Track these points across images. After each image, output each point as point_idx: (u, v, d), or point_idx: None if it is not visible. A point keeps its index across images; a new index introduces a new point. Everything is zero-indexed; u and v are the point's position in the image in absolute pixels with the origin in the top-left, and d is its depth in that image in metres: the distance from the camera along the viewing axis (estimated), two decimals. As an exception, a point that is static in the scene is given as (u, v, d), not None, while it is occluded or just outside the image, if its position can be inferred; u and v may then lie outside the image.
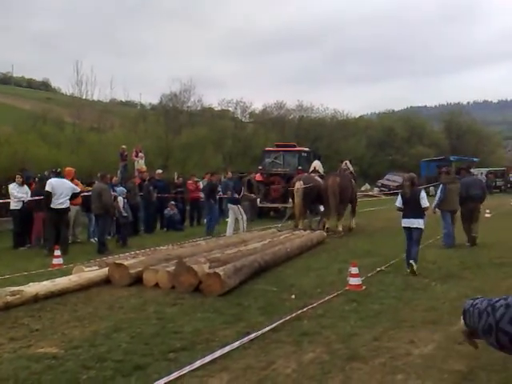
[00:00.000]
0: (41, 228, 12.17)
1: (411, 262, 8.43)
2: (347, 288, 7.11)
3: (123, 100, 38.81)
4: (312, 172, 15.70)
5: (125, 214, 12.39)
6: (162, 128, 31.53)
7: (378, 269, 8.53)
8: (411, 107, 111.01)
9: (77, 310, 6.26)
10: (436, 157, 39.10)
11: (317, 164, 16.19)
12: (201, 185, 17.99)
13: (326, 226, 13.74)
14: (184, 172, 22.53)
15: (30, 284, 6.87)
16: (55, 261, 9.33)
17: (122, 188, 12.92)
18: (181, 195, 17.09)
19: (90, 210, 12.74)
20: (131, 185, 14.57)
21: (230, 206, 13.98)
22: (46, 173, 14.65)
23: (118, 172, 17.44)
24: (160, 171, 17.27)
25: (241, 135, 37.38)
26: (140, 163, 18.21)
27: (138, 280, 7.71)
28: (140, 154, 18.48)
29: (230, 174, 20.25)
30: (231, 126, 38.19)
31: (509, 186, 38.23)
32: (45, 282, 7.03)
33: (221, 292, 7.03)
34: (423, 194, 8.83)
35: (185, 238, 12.68)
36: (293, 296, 6.84)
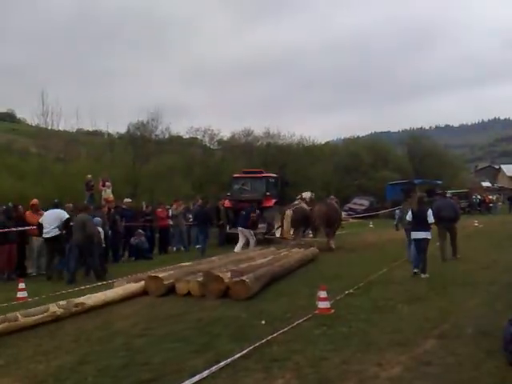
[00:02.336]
0: (5, 260, 11.91)
1: (416, 271, 10.39)
2: (316, 312, 7.16)
3: (90, 129, 38.36)
4: (300, 199, 17.90)
5: (104, 245, 12.67)
6: (129, 157, 31.34)
7: (347, 292, 8.62)
8: (375, 133, 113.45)
9: (41, 344, 6.12)
10: (401, 180, 39.83)
11: (306, 194, 18.40)
12: (170, 212, 17.98)
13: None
14: (153, 200, 22.40)
15: (87, 296, 8.08)
16: (20, 294, 9.10)
17: (98, 218, 12.92)
18: (149, 223, 16.97)
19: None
20: (100, 214, 14.40)
21: (240, 229, 15.82)
22: (10, 204, 14.38)
23: (85, 202, 17.20)
24: (129, 200, 17.14)
25: (209, 162, 37.45)
26: (107, 192, 18.03)
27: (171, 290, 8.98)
28: (107, 184, 18.29)
29: (199, 202, 20.39)
30: (199, 154, 38.27)
31: (472, 207, 39.14)
32: (98, 294, 8.31)
33: (247, 296, 8.37)
34: (430, 211, 10.65)
35: (153, 267, 12.54)
36: (263, 322, 6.84)
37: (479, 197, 40.54)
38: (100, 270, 11.55)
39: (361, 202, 37.36)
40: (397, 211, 13.01)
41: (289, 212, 16.49)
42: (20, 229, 12.15)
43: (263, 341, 5.78)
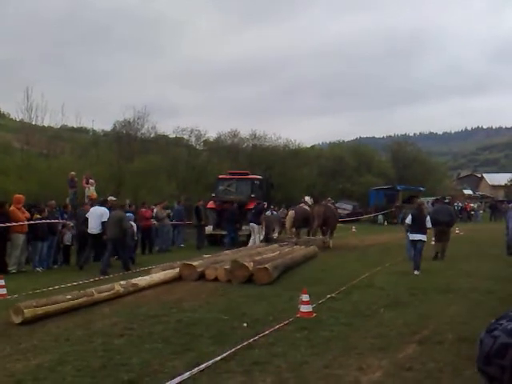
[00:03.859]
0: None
1: (416, 273, 11.22)
2: (298, 315, 7.16)
3: (75, 126, 37.94)
4: (302, 203, 19.22)
5: (135, 238, 14.30)
6: (114, 154, 31.07)
7: (329, 296, 8.63)
8: (360, 138, 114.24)
9: (20, 342, 6.02)
10: (384, 186, 40.11)
11: (307, 198, 19.73)
12: (154, 212, 17.88)
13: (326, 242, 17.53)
14: (137, 199, 22.23)
15: (139, 278, 9.67)
16: (-2, 291, 8.95)
17: (131, 214, 14.24)
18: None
19: (37, 238, 12.39)
20: (82, 212, 14.25)
21: (252, 225, 17.27)
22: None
23: (68, 199, 17.03)
24: (113, 198, 16.97)
25: (195, 163, 37.28)
26: (91, 190, 17.87)
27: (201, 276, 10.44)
28: (90, 181, 18.13)
29: (182, 202, 20.40)
30: (185, 154, 38.06)
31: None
32: (146, 277, 9.84)
33: (269, 281, 9.87)
34: (428, 217, 11.88)
35: (137, 266, 12.51)
36: (245, 324, 6.82)
37: (460, 204, 40.95)
38: (128, 261, 12.58)
39: (344, 207, 37.55)
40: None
41: (291, 212, 17.98)
42: (6, 225, 11.86)
43: (244, 343, 5.77)
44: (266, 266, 10.20)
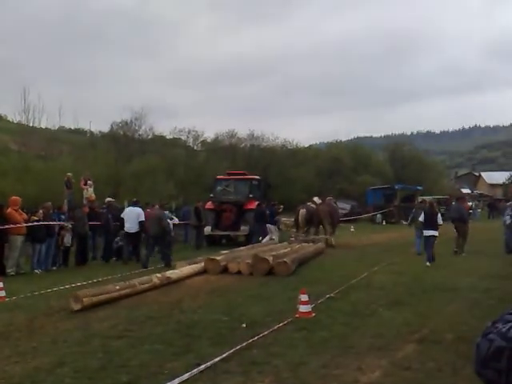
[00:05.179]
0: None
1: (428, 264, 12.37)
2: (297, 315, 7.15)
3: (72, 128, 37.94)
4: (310, 202, 19.69)
5: (172, 234, 15.23)
6: (112, 156, 31.03)
7: (327, 295, 8.63)
8: (357, 137, 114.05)
9: (19, 344, 6.02)
10: (382, 185, 40.06)
11: (315, 198, 20.18)
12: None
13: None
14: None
15: (171, 271, 10.58)
16: (-3, 293, 8.93)
17: (167, 213, 15.50)
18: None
19: (35, 239, 12.38)
20: (80, 214, 14.23)
21: (268, 226, 18.25)
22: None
23: (65, 201, 16.97)
24: (111, 199, 16.93)
25: (193, 163, 37.22)
26: (89, 191, 17.84)
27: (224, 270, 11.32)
28: (89, 182, 18.10)
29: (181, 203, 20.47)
30: (183, 155, 38.00)
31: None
32: (176, 271, 10.70)
33: (288, 273, 10.85)
34: (439, 214, 13.21)
35: (139, 267, 12.48)
36: (243, 325, 6.81)
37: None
38: (169, 257, 13.06)
39: (342, 206, 37.49)
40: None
41: (302, 210, 18.47)
42: (5, 227, 11.80)
43: (243, 344, 5.76)
44: (285, 259, 11.16)
